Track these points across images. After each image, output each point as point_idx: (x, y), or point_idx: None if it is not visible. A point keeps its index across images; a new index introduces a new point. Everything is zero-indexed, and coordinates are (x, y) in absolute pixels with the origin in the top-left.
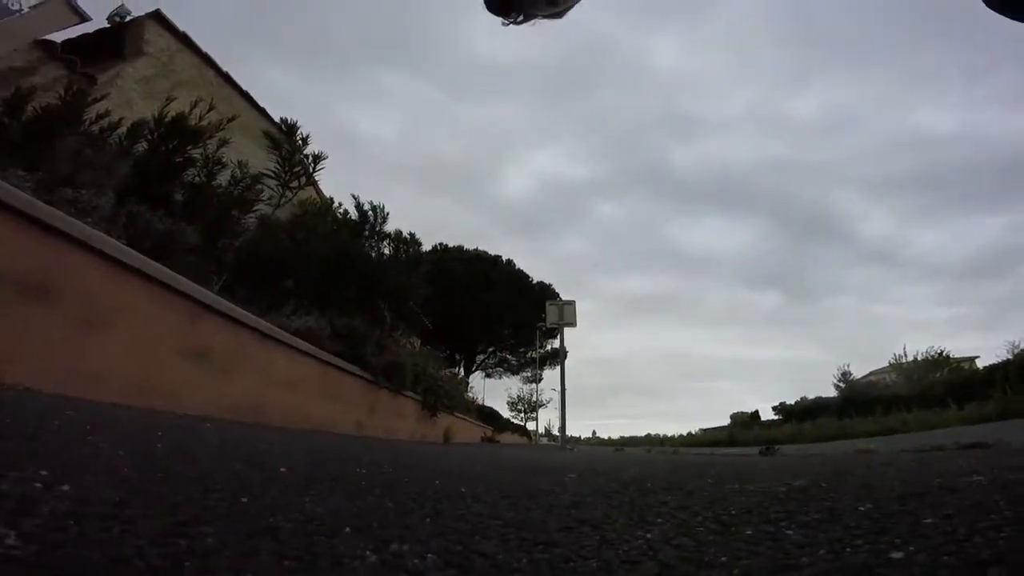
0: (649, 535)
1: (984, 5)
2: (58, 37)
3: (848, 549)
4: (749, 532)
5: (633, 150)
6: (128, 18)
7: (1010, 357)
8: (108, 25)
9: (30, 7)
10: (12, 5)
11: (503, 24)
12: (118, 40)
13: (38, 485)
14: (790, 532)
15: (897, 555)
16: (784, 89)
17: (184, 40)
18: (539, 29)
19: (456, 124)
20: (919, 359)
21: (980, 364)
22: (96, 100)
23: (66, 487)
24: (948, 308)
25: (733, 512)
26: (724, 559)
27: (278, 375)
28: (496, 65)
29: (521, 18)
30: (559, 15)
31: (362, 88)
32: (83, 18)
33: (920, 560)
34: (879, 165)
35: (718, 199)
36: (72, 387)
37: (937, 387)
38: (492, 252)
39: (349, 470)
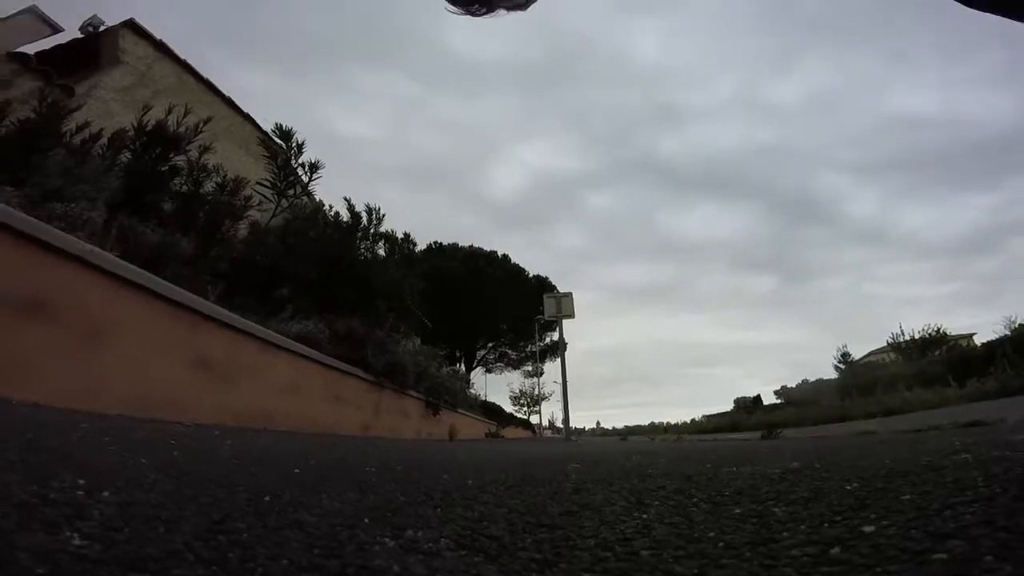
0: (645, 516)
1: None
2: (31, 49)
3: (826, 524)
4: (738, 511)
5: (621, 141)
6: (102, 28)
7: (1008, 333)
8: (82, 36)
9: (0, 19)
10: None
11: (458, 13)
12: (93, 51)
13: (80, 493)
14: (776, 510)
15: (869, 529)
16: (767, 74)
17: (161, 48)
18: (517, 21)
19: (441, 121)
20: (916, 338)
21: (978, 341)
22: (73, 110)
23: (106, 493)
24: (942, 285)
25: (726, 493)
26: (711, 534)
27: (281, 380)
28: (477, 60)
29: (484, 10)
30: (523, 6)
31: (341, 88)
32: (55, 29)
33: (888, 533)
34: (863, 147)
35: (708, 186)
36: (78, 401)
37: (935, 365)
38: (487, 248)
39: (360, 469)
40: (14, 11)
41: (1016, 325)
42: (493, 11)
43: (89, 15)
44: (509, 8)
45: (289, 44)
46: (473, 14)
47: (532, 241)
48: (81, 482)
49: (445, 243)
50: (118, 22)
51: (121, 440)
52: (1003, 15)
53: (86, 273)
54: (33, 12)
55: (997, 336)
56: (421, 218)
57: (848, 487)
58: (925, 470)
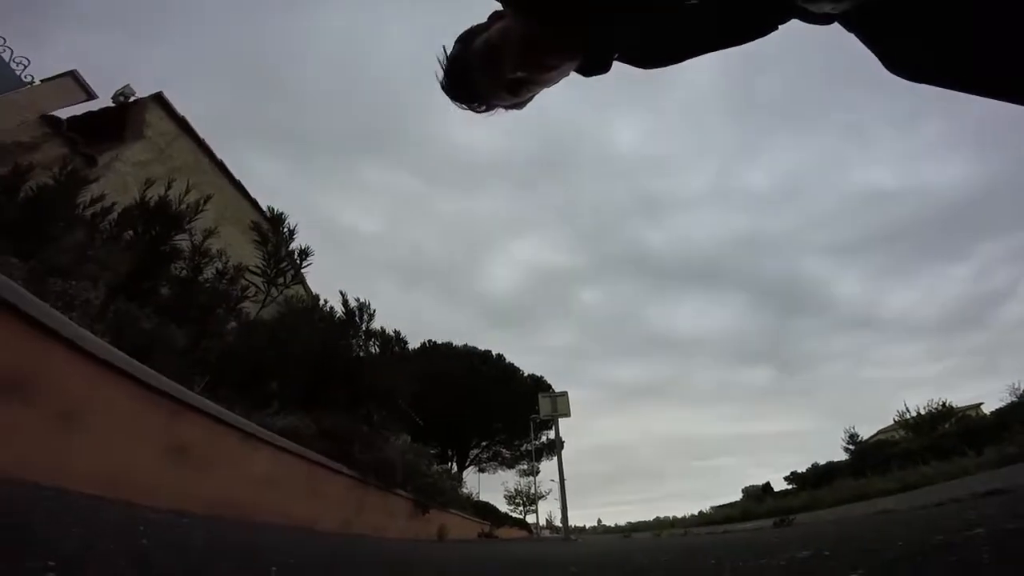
0: None
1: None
2: (64, 113)
3: None
4: None
5: (609, 234)
6: (132, 99)
7: (1015, 399)
8: (113, 104)
9: (41, 80)
10: (25, 77)
11: (461, 107)
12: (121, 121)
13: None
14: None
15: None
16: (738, 161)
17: (183, 125)
18: (507, 119)
19: (437, 217)
20: (923, 413)
21: (986, 410)
22: (91, 182)
23: None
24: (937, 363)
25: None
26: None
27: (260, 473)
28: (473, 153)
29: (484, 108)
30: (520, 106)
31: (344, 180)
32: (90, 95)
33: None
34: (836, 227)
35: (694, 278)
36: (48, 477)
37: (948, 438)
38: (481, 347)
39: (343, 571)
40: (55, 73)
41: (1022, 391)
42: (492, 110)
43: (123, 84)
44: (507, 108)
45: (298, 132)
46: (474, 111)
47: (526, 340)
48: (51, 564)
49: (439, 342)
50: (148, 94)
51: (88, 523)
52: (945, 87)
53: (71, 354)
54: (73, 76)
55: (1004, 403)
56: (416, 315)
57: (852, 575)
58: (935, 551)
